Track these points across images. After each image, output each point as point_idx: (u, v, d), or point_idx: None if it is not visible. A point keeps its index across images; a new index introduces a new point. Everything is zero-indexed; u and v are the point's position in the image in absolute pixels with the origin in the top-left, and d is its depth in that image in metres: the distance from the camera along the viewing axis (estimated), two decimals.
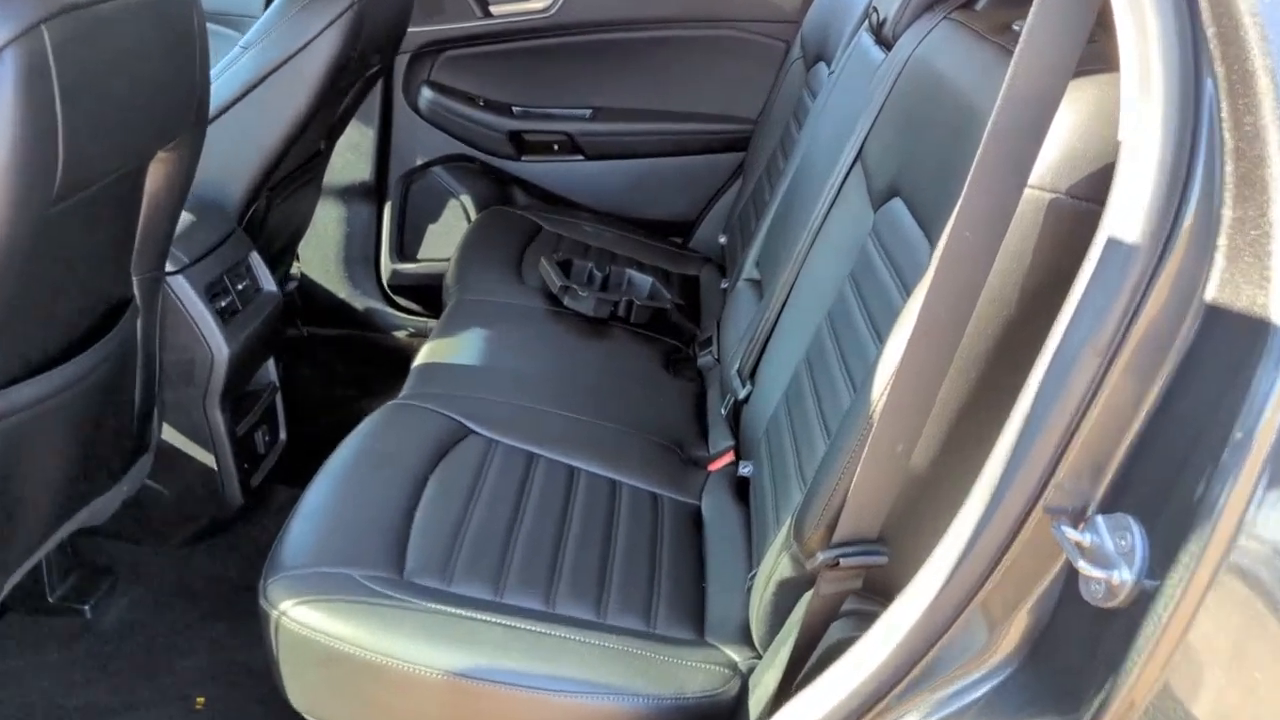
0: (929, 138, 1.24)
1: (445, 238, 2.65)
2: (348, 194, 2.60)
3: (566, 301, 1.99)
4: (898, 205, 1.30)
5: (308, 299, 2.66)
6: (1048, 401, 0.78)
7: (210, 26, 2.56)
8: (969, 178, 0.82)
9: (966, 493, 0.82)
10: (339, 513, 1.30)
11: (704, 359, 1.97)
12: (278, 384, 1.98)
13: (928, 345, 0.90)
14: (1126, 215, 0.74)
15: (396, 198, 2.63)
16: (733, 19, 2.52)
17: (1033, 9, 0.77)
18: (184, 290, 1.66)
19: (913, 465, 1.00)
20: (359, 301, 2.68)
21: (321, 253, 2.64)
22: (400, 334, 2.73)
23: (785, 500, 1.28)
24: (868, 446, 0.92)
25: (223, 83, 1.83)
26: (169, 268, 1.65)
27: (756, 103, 2.55)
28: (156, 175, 1.41)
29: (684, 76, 2.60)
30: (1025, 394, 0.79)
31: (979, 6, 1.37)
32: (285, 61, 1.82)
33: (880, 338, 1.21)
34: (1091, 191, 0.86)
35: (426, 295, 2.67)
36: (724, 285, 2.19)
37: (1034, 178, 0.86)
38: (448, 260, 2.60)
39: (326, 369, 2.63)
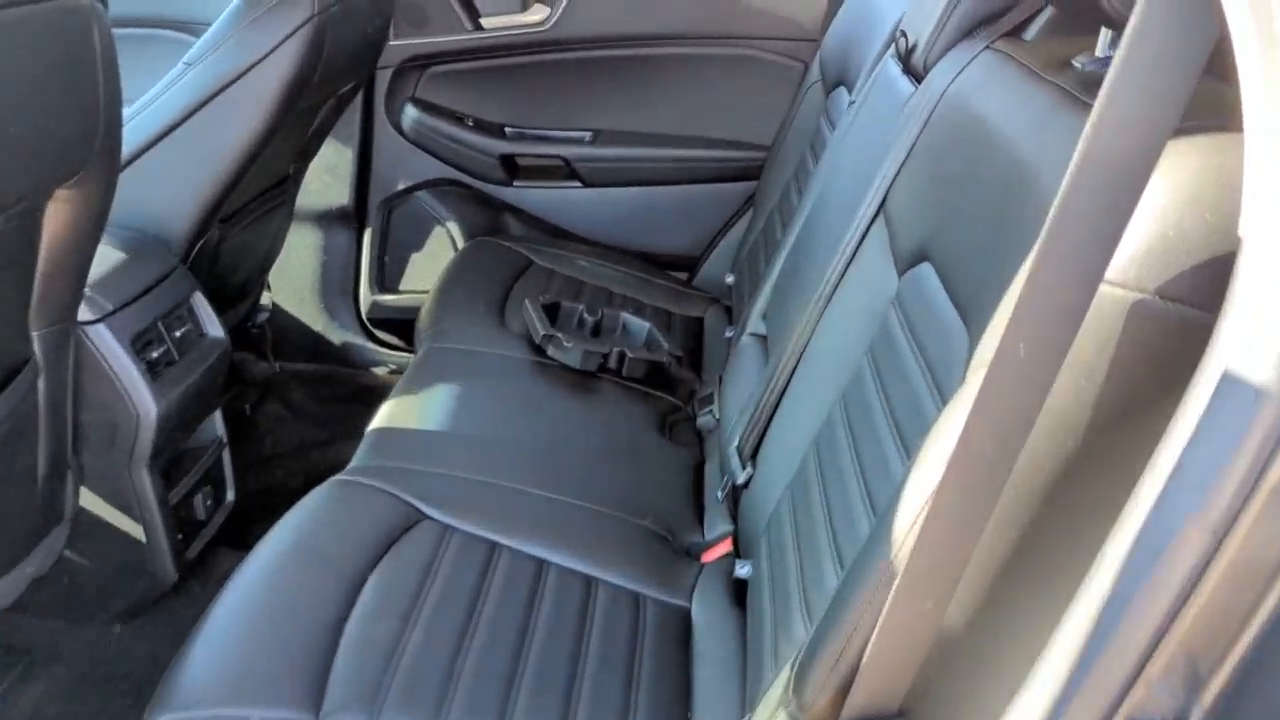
0: (969, 194, 1.02)
1: (429, 268, 2.44)
2: (324, 220, 2.40)
3: (551, 352, 1.77)
4: (926, 272, 1.08)
5: (280, 331, 2.46)
6: (1135, 581, 0.57)
7: (169, 34, 2.39)
8: (1028, 269, 0.61)
9: (1011, 662, 0.64)
10: (250, 631, 1.09)
11: (704, 418, 1.75)
12: (224, 439, 1.77)
13: (967, 482, 0.68)
14: (1250, 340, 0.53)
15: (377, 224, 2.42)
16: (746, 36, 2.30)
17: (1123, 42, 0.55)
18: (104, 341, 1.45)
19: (945, 625, 0.78)
20: (335, 335, 2.48)
21: (295, 282, 2.43)
22: (379, 370, 2.52)
23: (785, 629, 1.06)
24: (890, 599, 0.71)
25: (164, 103, 1.62)
26: (88, 316, 1.44)
27: (770, 128, 2.33)
28: (57, 216, 1.21)
29: (692, 98, 2.38)
30: (1104, 566, 0.58)
31: (1029, 35, 1.14)
32: (235, 80, 1.61)
33: (902, 438, 0.99)
34: (1191, 293, 0.64)
35: (408, 329, 2.46)
36: (728, 334, 1.97)
37: (1113, 272, 0.64)
38: (428, 292, 2.40)
39: (298, 407, 2.43)
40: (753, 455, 1.35)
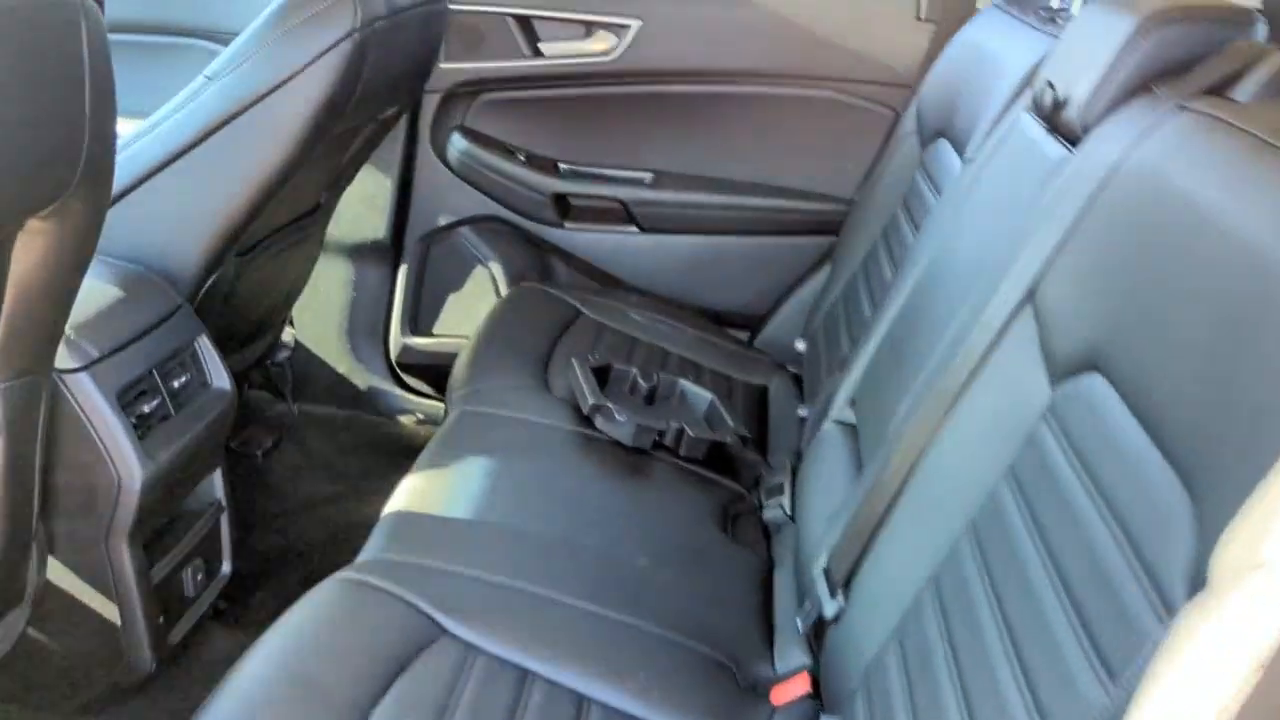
0: (1172, 294, 0.78)
1: (467, 311, 2.24)
2: (356, 253, 2.19)
3: (599, 424, 1.55)
4: (1098, 385, 0.85)
5: (300, 371, 2.26)
6: None
7: (202, 44, 2.21)
8: None
9: None
10: None
11: (772, 511, 1.52)
12: (224, 503, 1.56)
13: None
14: None
15: (414, 261, 2.22)
16: (831, 77, 2.08)
17: None
18: (85, 393, 1.24)
19: None
20: (361, 378, 2.27)
21: (321, 319, 2.23)
22: (406, 419, 2.31)
23: None
24: None
25: (178, 121, 1.43)
26: (68, 363, 1.24)
27: (852, 179, 2.11)
28: (29, 251, 1.00)
29: (766, 142, 2.16)
30: None
31: (1240, 95, 0.91)
32: (258, 100, 1.41)
33: (1071, 595, 0.75)
34: None
35: (440, 376, 2.24)
36: (802, 413, 1.73)
37: None
38: (467, 338, 2.19)
39: (314, 455, 2.22)
40: (845, 583, 1.11)
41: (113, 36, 2.04)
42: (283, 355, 2.21)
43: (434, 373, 2.25)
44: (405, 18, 1.59)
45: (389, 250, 2.21)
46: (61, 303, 1.07)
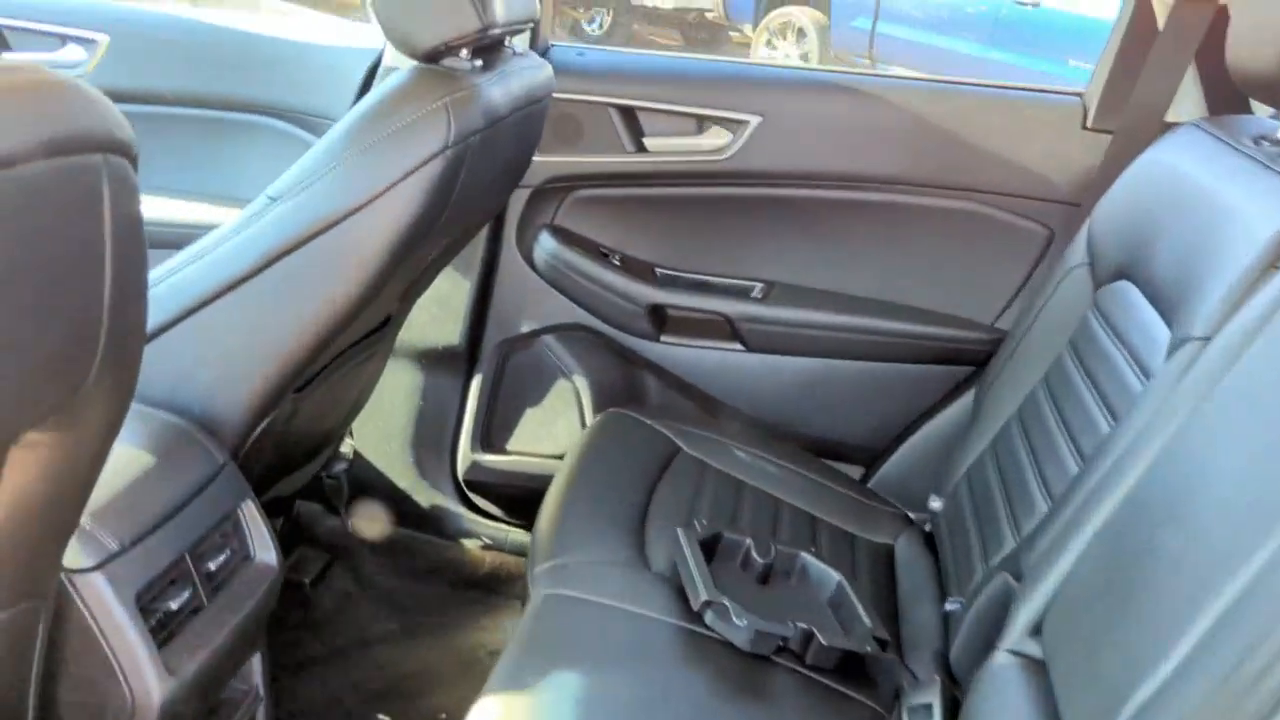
0: None
1: (546, 429, 1.99)
2: (427, 359, 1.97)
3: (710, 621, 1.28)
4: None
5: (358, 485, 2.03)
6: None
7: (278, 124, 2.00)
8: None
9: None
10: None
11: None
12: (261, 693, 1.31)
13: None
14: None
15: (490, 370, 1.98)
16: (977, 188, 1.82)
17: None
18: (98, 597, 1.01)
19: None
20: (424, 496, 2.04)
21: (383, 429, 2.00)
22: (471, 543, 2.07)
23: None
24: None
25: (234, 248, 1.20)
26: (84, 562, 1.01)
27: (995, 305, 1.84)
28: (24, 468, 0.77)
29: (897, 256, 1.90)
30: None
31: None
32: (330, 225, 1.19)
33: None
34: None
35: (512, 499, 2.01)
36: (950, 606, 1.45)
37: None
38: (544, 458, 1.94)
39: (368, 582, 1.98)
40: None
41: (173, 111, 1.83)
42: (339, 467, 1.99)
43: (505, 494, 2.01)
44: (503, 125, 1.36)
45: (463, 357, 1.97)
46: (61, 526, 0.84)
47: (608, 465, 1.64)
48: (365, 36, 1.89)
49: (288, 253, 1.20)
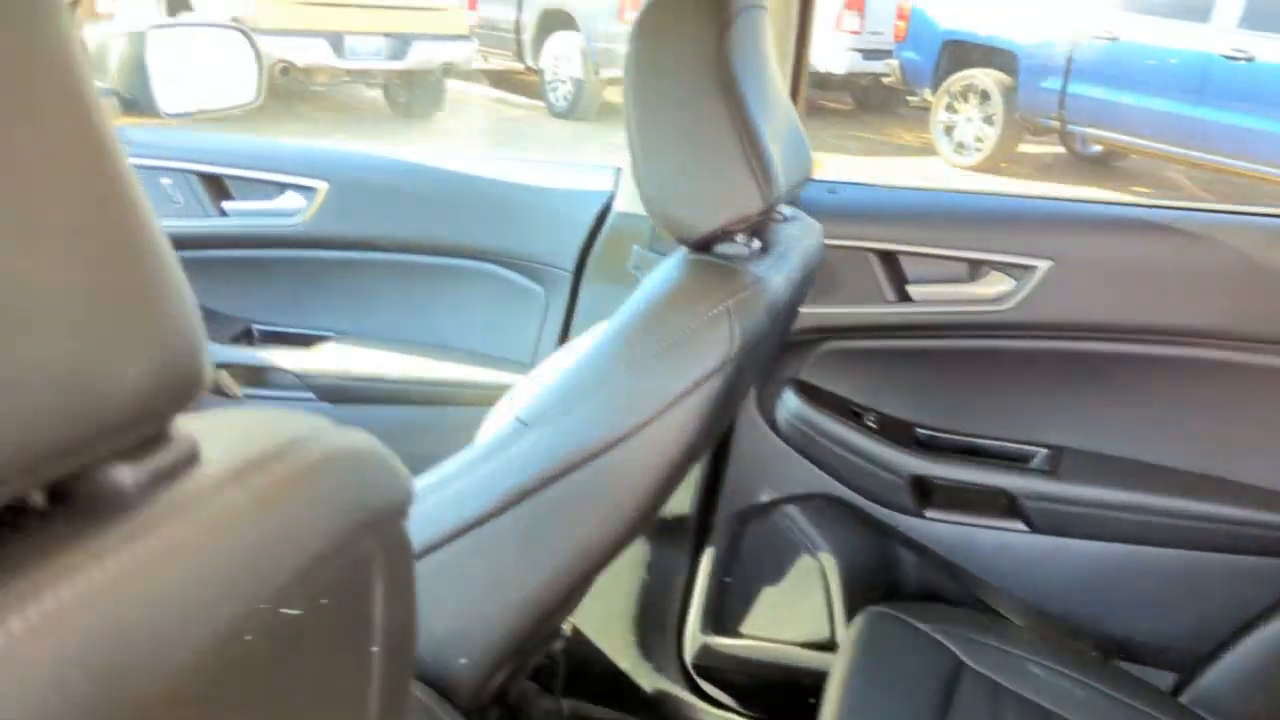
0: None
1: (788, 612, 1.75)
2: (653, 530, 1.76)
3: None
4: None
5: (574, 663, 1.82)
6: None
7: (489, 268, 1.84)
8: None
9: None
10: None
11: None
12: None
13: None
14: None
15: (722, 543, 1.76)
16: None
17: None
18: None
19: None
20: (647, 679, 1.82)
21: (604, 604, 1.80)
22: None
23: None
24: None
25: (479, 480, 1.02)
26: None
27: None
28: None
29: (1221, 423, 1.58)
30: None
31: None
32: (590, 459, 0.98)
33: None
34: None
35: (746, 688, 1.77)
36: None
37: None
38: (786, 644, 1.70)
39: None
40: None
41: (390, 257, 1.68)
42: (556, 645, 1.79)
43: (739, 682, 1.77)
44: (777, 311, 1.14)
45: (693, 528, 1.75)
46: None
47: (879, 691, 1.38)
48: (594, 179, 1.73)
49: (543, 486, 1.00)
